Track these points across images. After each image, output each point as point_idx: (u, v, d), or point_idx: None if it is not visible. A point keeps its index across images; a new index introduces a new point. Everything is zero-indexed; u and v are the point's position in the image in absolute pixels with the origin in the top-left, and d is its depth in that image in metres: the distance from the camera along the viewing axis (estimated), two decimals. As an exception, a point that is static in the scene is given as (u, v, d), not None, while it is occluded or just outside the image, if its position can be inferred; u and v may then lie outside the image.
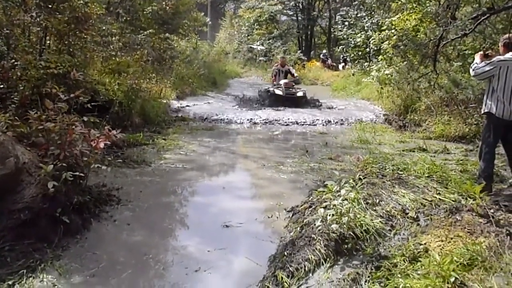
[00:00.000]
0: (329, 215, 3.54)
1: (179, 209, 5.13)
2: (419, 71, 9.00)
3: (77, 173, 4.00)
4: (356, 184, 3.90)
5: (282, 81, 13.40)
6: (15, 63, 6.38)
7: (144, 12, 14.09)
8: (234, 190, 5.79)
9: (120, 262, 3.64)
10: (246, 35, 31.68)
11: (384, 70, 10.14)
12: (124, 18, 11.76)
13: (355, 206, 3.68)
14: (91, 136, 4.35)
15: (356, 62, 17.50)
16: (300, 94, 13.08)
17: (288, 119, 11.07)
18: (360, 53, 16.83)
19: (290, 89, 13.11)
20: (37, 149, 4.38)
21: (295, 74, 14.43)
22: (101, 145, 4.29)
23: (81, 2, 7.49)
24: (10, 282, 3.14)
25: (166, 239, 4.23)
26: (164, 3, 13.30)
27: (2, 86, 5.99)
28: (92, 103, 6.52)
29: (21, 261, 3.39)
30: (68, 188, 4.00)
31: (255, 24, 30.94)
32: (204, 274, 3.50)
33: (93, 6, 7.95)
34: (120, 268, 3.54)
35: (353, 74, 16.96)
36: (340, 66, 23.80)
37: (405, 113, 10.13)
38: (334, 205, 3.60)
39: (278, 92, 13.00)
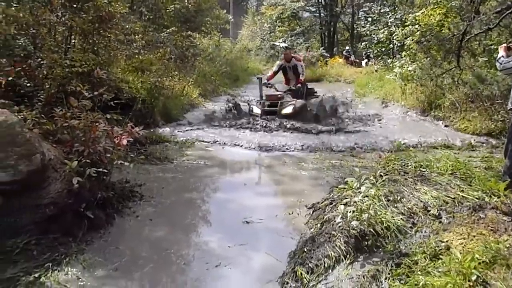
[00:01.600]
0: (349, 212, 3.53)
1: (200, 205, 5.17)
2: (442, 66, 8.84)
3: (101, 170, 4.07)
4: (377, 181, 3.87)
5: (268, 92, 10.13)
6: (41, 62, 6.53)
7: (167, 11, 14.23)
8: (255, 187, 5.82)
9: (142, 257, 3.71)
10: (269, 32, 31.68)
11: (407, 67, 9.99)
12: (147, 16, 11.88)
13: (375, 203, 3.66)
14: (114, 133, 4.42)
15: (380, 58, 17.29)
16: (288, 110, 9.35)
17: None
18: (383, 49, 16.60)
19: (273, 106, 9.57)
20: (63, 146, 4.48)
21: (303, 74, 10.35)
22: (124, 142, 4.36)
23: (105, 1, 7.62)
24: (36, 275, 3.23)
25: (188, 234, 4.28)
26: (186, 1, 13.37)
27: (29, 84, 6.13)
28: (116, 101, 6.65)
29: (46, 255, 3.48)
30: (92, 184, 4.09)
31: (278, 21, 30.90)
32: (225, 269, 3.54)
33: (117, 5, 8.08)
34: (142, 263, 3.60)
35: (376, 71, 16.76)
36: (363, 63, 23.57)
37: (429, 109, 9.99)
38: (355, 201, 3.58)
39: (256, 111, 9.78)
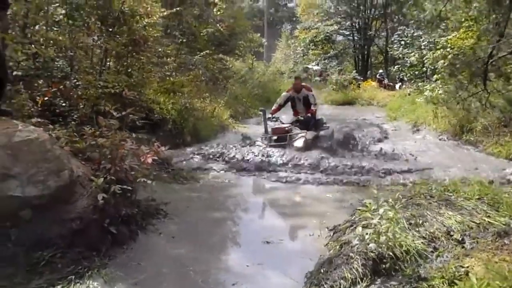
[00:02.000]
0: (367, 234, 3.52)
1: (222, 224, 5.23)
2: (468, 90, 8.71)
3: (125, 187, 4.20)
4: (396, 204, 3.84)
5: (274, 125, 8.93)
6: (77, 83, 6.83)
7: (201, 34, 14.62)
8: (279, 207, 5.86)
9: (162, 273, 3.78)
10: (302, 55, 31.89)
11: (438, 90, 9.88)
12: (180, 40, 12.24)
13: (394, 226, 3.63)
14: (140, 152, 4.57)
15: (413, 81, 17.14)
16: (298, 144, 8.13)
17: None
18: (416, 72, 16.47)
19: (281, 140, 8.38)
20: (92, 163, 4.67)
21: (315, 104, 9.18)
22: (149, 160, 4.50)
23: (140, 25, 7.94)
24: (59, 287, 3.35)
25: (208, 252, 4.32)
26: (218, 25, 13.70)
27: (64, 104, 6.42)
28: (147, 121, 6.85)
29: (70, 268, 3.60)
30: (117, 200, 4.22)
31: (311, 44, 31.09)
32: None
33: (150, 29, 8.39)
34: (162, 279, 3.68)
35: (409, 94, 16.59)
36: (397, 86, 23.35)
37: (460, 133, 9.81)
38: (373, 224, 3.57)
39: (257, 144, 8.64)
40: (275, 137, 8.51)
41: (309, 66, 29.74)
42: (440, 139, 10.35)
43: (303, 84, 9.57)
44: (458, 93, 8.99)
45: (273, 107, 9.24)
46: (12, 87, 5.86)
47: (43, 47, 6.79)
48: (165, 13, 8.71)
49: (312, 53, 31.37)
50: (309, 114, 8.93)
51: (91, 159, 4.63)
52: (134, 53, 7.99)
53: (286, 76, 31.38)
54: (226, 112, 12.76)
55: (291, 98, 9.25)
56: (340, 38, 33.11)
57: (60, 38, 7.30)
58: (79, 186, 4.20)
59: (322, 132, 9.04)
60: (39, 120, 5.26)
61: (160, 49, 9.30)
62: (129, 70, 7.96)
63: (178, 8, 10.49)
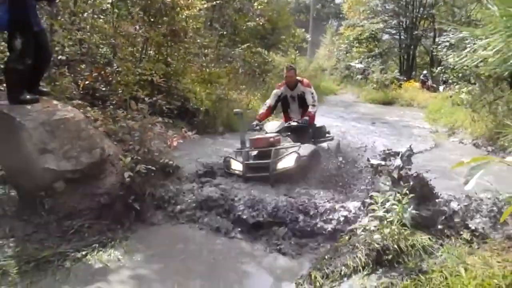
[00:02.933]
0: (373, 226, 3.66)
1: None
2: (494, 93, 8.53)
3: (150, 167, 4.51)
4: (403, 198, 3.94)
5: (255, 135, 6.15)
6: (117, 69, 7.22)
7: (243, 28, 14.87)
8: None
9: (178, 248, 4.07)
10: (345, 52, 31.62)
11: (463, 92, 9.69)
12: (221, 32, 12.54)
13: (400, 220, 3.75)
14: (167, 136, 4.87)
15: (455, 84, 16.79)
16: (287, 163, 5.44)
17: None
18: (459, 74, 16.13)
19: (264, 157, 5.64)
20: (123, 144, 5.01)
21: (314, 105, 6.40)
22: (175, 143, 4.79)
23: (180, 17, 8.28)
24: (83, 253, 3.71)
25: (223, 234, 4.54)
26: (258, 19, 13.91)
27: (104, 88, 6.83)
28: (182, 109, 7.17)
29: (96, 237, 3.97)
30: (142, 179, 4.53)
31: (355, 42, 30.77)
32: (249, 266, 3.80)
33: (191, 21, 8.72)
34: (177, 253, 3.97)
35: (450, 96, 16.28)
36: (441, 88, 22.87)
37: (496, 138, 9.61)
38: (379, 216, 3.71)
39: (235, 166, 5.68)
40: (254, 152, 5.84)
41: (352, 64, 29.49)
42: (474, 144, 10.17)
43: (299, 77, 6.70)
44: (483, 96, 8.82)
45: (260, 111, 6.71)
46: (57, 70, 6.31)
47: (88, 34, 7.22)
48: (205, 6, 8.98)
49: (356, 50, 31.05)
50: (305, 119, 6.24)
51: (123, 140, 4.97)
52: (173, 43, 8.33)
53: (328, 73, 31.31)
54: (261, 105, 12.92)
55: (283, 97, 6.61)
56: (385, 36, 32.58)
57: (105, 26, 7.72)
58: (109, 164, 4.55)
59: (323, 145, 6.65)
60: (79, 102, 5.66)
61: (199, 40, 9.60)
62: (167, 59, 8.30)
63: (218, 1, 10.76)
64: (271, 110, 6.69)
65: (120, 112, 4.93)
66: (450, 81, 20.17)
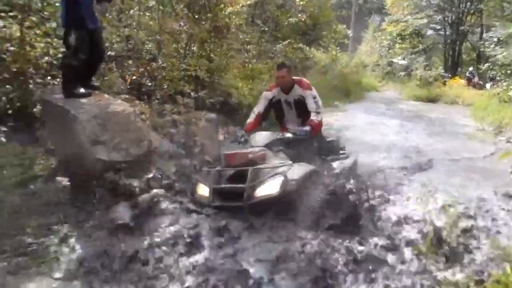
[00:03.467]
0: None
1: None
2: None
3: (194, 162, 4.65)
4: None
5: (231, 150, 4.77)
6: (162, 65, 7.43)
7: (285, 24, 14.91)
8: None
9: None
10: (387, 48, 31.10)
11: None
12: (263, 28, 12.64)
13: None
14: (212, 130, 5.01)
15: (503, 81, 16.26)
16: (269, 190, 3.92)
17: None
18: (508, 71, 15.61)
19: (239, 180, 4.08)
20: (169, 137, 5.19)
21: (318, 113, 4.93)
22: (220, 137, 4.91)
23: (224, 13, 8.42)
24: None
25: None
26: (300, 15, 13.91)
27: (150, 84, 7.05)
28: (225, 104, 7.31)
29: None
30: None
31: (398, 38, 30.22)
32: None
33: (234, 17, 8.84)
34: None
35: (498, 94, 15.78)
36: (488, 85, 22.18)
37: (545, 137, 9.31)
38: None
39: (202, 191, 4.20)
40: (230, 173, 4.29)
41: (394, 60, 28.99)
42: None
43: (296, 77, 5.23)
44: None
45: (248, 120, 5.17)
46: (106, 65, 6.57)
47: (135, 30, 7.46)
48: (248, 2, 9.09)
49: (399, 47, 30.49)
50: (306, 129, 4.79)
51: (169, 134, 5.14)
52: (216, 39, 8.48)
53: (370, 69, 30.89)
54: (302, 101, 12.93)
55: (275, 102, 5.17)
56: (429, 32, 31.80)
57: (151, 23, 7.96)
58: (156, 156, 4.71)
59: (334, 165, 5.12)
60: (127, 96, 5.89)
61: (241, 36, 9.73)
62: (210, 55, 8.46)
63: (261, -2, 10.88)
64: (261, 119, 5.14)
65: (167, 106, 5.10)
66: (497, 78, 19.58)
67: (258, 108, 5.14)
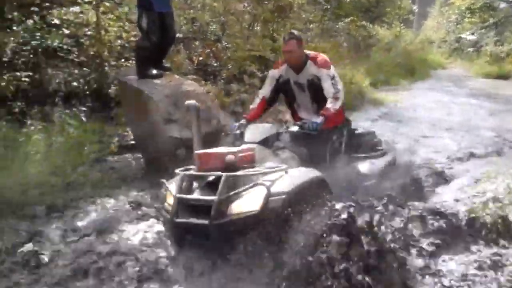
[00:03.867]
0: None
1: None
2: None
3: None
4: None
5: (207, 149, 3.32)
6: (227, 45, 7.58)
7: (347, 1, 14.63)
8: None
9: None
10: (455, 23, 29.66)
11: None
12: (325, 7, 12.48)
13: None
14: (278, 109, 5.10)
15: None
16: (245, 207, 2.63)
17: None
18: None
19: (208, 189, 2.84)
20: (236, 116, 5.34)
21: (336, 98, 3.66)
22: (287, 117, 5.00)
23: (287, -8, 8.43)
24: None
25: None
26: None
27: (215, 64, 7.23)
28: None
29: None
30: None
31: (467, 12, 28.70)
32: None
33: (296, -4, 8.83)
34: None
35: None
36: None
37: None
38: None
39: (169, 201, 2.90)
40: (209, 179, 2.99)
41: (463, 36, 27.63)
42: None
43: (309, 52, 3.97)
44: None
45: (251, 105, 4.15)
46: (174, 48, 6.80)
47: (200, 12, 7.64)
48: (311, -19, 9.02)
49: (468, 21, 28.98)
50: (317, 120, 3.63)
51: (235, 112, 5.29)
52: (279, 19, 8.51)
53: (436, 45, 29.67)
54: (366, 80, 12.72)
55: (283, 83, 4.01)
56: (502, 5, 29.96)
57: (215, 4, 8.10)
58: (223, 135, 4.88)
59: (361, 168, 3.93)
60: (194, 77, 6.09)
61: (304, 16, 9.68)
62: (274, 35, 8.50)
63: (323, -25, 10.72)
64: (266, 104, 4.06)
65: (234, 86, 5.23)
66: None
67: (264, 92, 4.06)
